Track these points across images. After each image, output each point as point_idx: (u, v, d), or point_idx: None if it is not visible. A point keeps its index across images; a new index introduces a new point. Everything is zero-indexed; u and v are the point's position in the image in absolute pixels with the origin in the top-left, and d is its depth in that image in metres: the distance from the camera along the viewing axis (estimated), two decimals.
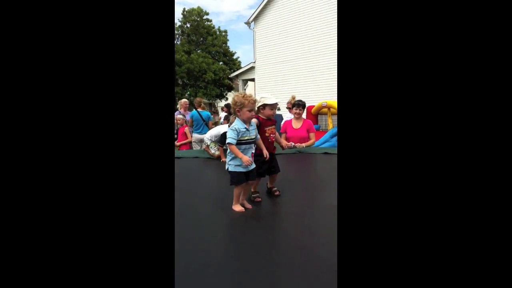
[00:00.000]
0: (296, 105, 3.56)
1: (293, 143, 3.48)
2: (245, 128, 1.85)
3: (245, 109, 1.82)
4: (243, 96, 1.85)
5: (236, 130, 1.82)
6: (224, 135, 3.33)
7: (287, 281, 1.03)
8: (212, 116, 5.67)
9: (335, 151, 3.47)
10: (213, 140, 3.46)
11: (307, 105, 9.50)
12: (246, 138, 1.85)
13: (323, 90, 10.52)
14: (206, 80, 17.23)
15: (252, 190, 2.00)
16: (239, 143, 1.84)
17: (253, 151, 1.90)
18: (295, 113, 3.57)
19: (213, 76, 17.27)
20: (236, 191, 1.84)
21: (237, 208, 1.83)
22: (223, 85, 18.57)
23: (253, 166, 1.87)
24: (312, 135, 3.56)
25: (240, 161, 1.80)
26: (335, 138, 6.50)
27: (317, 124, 9.62)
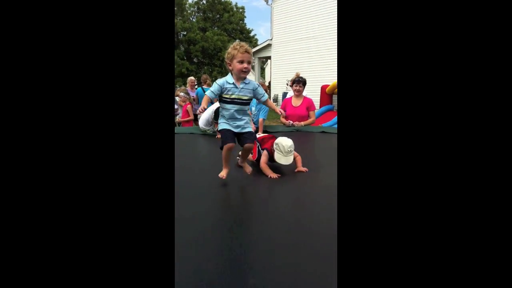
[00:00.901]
0: (296, 82, 3.37)
1: (291, 122, 3.34)
2: (233, 84, 1.55)
3: (235, 61, 1.52)
4: (234, 46, 1.55)
5: (219, 84, 1.54)
6: (216, 111, 3.25)
7: (284, 257, 1.03)
8: None
9: (333, 130, 3.32)
10: (208, 123, 3.35)
11: (322, 84, 9.30)
12: (232, 96, 1.55)
13: None
14: (221, 58, 17.00)
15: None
16: (224, 101, 1.56)
17: (246, 118, 1.62)
18: (294, 90, 3.39)
19: None
20: (223, 152, 1.59)
21: (222, 173, 1.61)
22: None
23: (247, 129, 1.62)
24: (312, 113, 3.39)
25: (230, 123, 1.57)
26: None
27: (331, 104, 9.33)
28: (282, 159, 1.81)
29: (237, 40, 1.63)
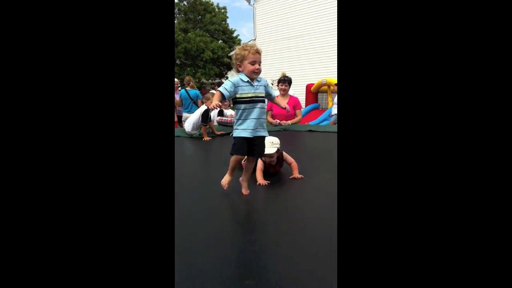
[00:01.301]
0: (282, 81, 3.36)
1: (278, 121, 3.32)
2: (248, 81, 1.47)
3: (246, 62, 1.45)
4: (243, 47, 1.49)
5: (233, 82, 1.46)
6: (204, 114, 3.19)
7: (282, 258, 1.03)
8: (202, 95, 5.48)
9: (319, 128, 3.32)
10: (195, 127, 3.30)
11: (307, 83, 9.36)
12: (249, 94, 1.47)
13: (323, 68, 10.18)
14: (204, 59, 16.83)
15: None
16: (240, 101, 1.47)
17: (264, 116, 1.55)
18: (280, 89, 3.38)
19: (212, 55, 16.83)
20: (231, 161, 1.53)
21: (224, 180, 1.55)
22: (223, 64, 18.16)
23: (262, 133, 1.54)
24: (298, 112, 3.39)
25: (246, 125, 1.48)
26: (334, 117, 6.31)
27: (317, 102, 9.39)
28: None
29: (243, 42, 1.62)
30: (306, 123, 4.85)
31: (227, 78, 18.40)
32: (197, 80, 15.83)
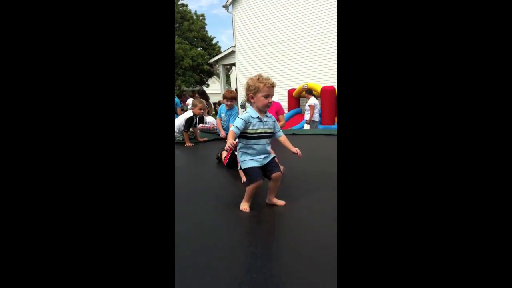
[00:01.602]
0: None
1: None
2: (258, 117, 1.48)
3: (260, 95, 1.46)
4: (258, 79, 1.49)
5: (244, 119, 1.46)
6: (188, 120, 3.15)
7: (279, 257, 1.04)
8: (181, 102, 5.41)
9: (302, 132, 3.35)
10: (180, 131, 3.27)
11: (288, 88, 9.45)
12: (258, 130, 1.48)
13: (304, 73, 10.32)
14: (184, 67, 16.71)
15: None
16: (249, 136, 1.48)
17: (268, 148, 1.54)
18: None
19: (191, 62, 16.74)
20: (249, 190, 1.49)
21: (243, 206, 1.50)
22: (203, 71, 18.09)
23: (271, 157, 1.55)
24: (281, 117, 3.40)
25: (252, 155, 1.49)
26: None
27: (299, 107, 9.50)
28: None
29: (257, 74, 1.56)
30: (290, 128, 4.89)
31: (208, 85, 18.33)
32: (177, 87, 15.67)
